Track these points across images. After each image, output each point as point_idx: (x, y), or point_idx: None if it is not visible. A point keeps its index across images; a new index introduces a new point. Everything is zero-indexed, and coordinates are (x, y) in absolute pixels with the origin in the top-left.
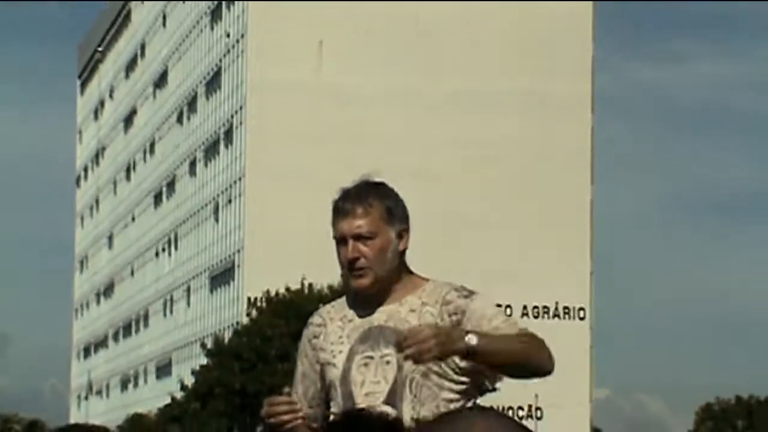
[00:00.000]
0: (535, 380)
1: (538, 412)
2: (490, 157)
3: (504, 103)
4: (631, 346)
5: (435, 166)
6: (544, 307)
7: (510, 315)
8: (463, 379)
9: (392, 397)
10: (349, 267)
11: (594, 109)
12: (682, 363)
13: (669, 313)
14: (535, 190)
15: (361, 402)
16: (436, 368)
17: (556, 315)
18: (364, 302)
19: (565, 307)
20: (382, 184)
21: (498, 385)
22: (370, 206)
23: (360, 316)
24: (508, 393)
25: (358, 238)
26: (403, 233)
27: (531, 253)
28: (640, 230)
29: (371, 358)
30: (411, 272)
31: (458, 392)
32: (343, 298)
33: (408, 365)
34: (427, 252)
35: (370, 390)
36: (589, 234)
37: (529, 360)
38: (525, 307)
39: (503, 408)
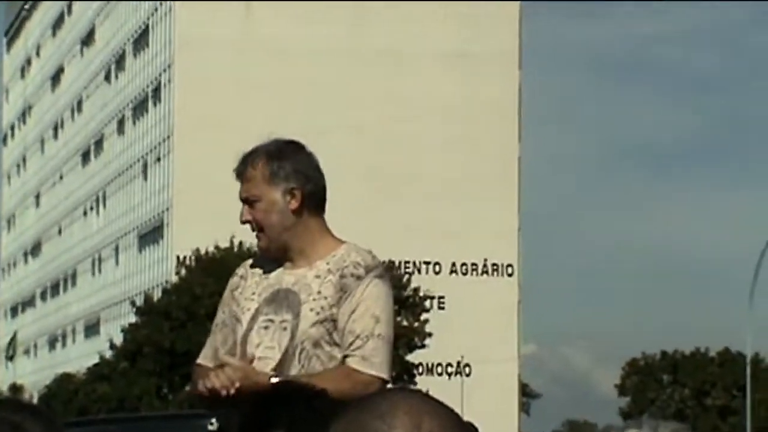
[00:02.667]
0: (464, 336)
1: (467, 369)
2: (418, 112)
3: (432, 59)
4: (557, 301)
5: (363, 121)
6: (473, 264)
7: (379, 321)
8: None
9: (281, 365)
10: (251, 229)
11: (521, 64)
12: (608, 318)
13: (596, 268)
14: (462, 146)
15: (254, 365)
16: (326, 339)
17: (484, 271)
18: (277, 261)
19: (494, 264)
20: (274, 144)
21: (427, 342)
22: (254, 169)
23: (271, 274)
24: (436, 350)
25: (246, 201)
26: (294, 191)
27: (459, 210)
28: (567, 185)
29: (272, 321)
30: (327, 230)
31: None
32: None
33: (300, 333)
34: (355, 206)
35: (263, 355)
36: (516, 190)
37: (333, 395)
38: (453, 264)
39: (432, 365)
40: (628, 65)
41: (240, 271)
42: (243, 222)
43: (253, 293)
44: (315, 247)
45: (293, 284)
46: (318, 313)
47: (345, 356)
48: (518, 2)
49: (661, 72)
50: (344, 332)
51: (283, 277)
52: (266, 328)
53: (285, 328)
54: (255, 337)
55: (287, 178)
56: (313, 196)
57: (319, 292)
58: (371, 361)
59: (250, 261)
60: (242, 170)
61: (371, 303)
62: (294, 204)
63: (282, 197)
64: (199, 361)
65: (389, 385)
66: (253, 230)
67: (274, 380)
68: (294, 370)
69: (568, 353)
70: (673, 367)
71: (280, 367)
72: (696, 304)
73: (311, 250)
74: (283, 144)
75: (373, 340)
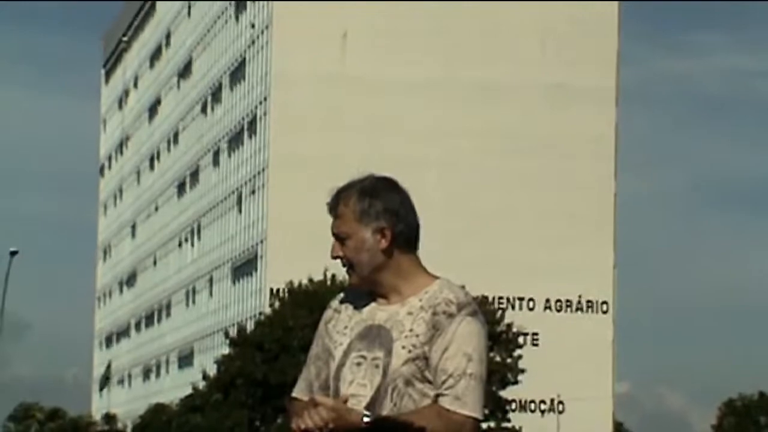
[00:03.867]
0: (557, 373)
1: (560, 406)
2: (514, 148)
3: (528, 95)
4: (653, 339)
5: (458, 157)
6: (567, 300)
7: (471, 360)
8: None
9: (373, 403)
10: (341, 264)
11: (618, 101)
12: (704, 357)
13: (692, 306)
14: (559, 183)
15: (348, 404)
16: (418, 377)
17: (579, 308)
18: (371, 294)
19: (588, 301)
20: (368, 181)
21: (520, 378)
22: (345, 206)
23: (364, 309)
24: (530, 387)
25: (337, 237)
26: (385, 231)
27: (554, 245)
28: (664, 223)
29: (364, 358)
30: (420, 266)
31: None
32: None
33: (392, 371)
34: (449, 241)
35: (355, 392)
36: (612, 227)
37: None
38: (548, 301)
39: (526, 401)
40: (725, 101)
41: (334, 304)
42: (334, 257)
43: (346, 327)
44: (407, 283)
45: (385, 321)
46: (410, 351)
47: (437, 395)
48: (616, 38)
49: (760, 107)
50: (437, 371)
51: (376, 312)
52: (359, 364)
53: (377, 366)
54: (348, 374)
55: (378, 217)
56: (403, 235)
57: (411, 330)
58: (464, 401)
59: (343, 294)
60: (334, 206)
61: (463, 341)
62: (384, 243)
63: (372, 236)
64: (294, 394)
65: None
66: (344, 266)
67: (366, 420)
68: (386, 409)
69: (663, 392)
70: None
71: (372, 405)
72: None
73: (404, 286)
74: (377, 181)
75: (466, 379)
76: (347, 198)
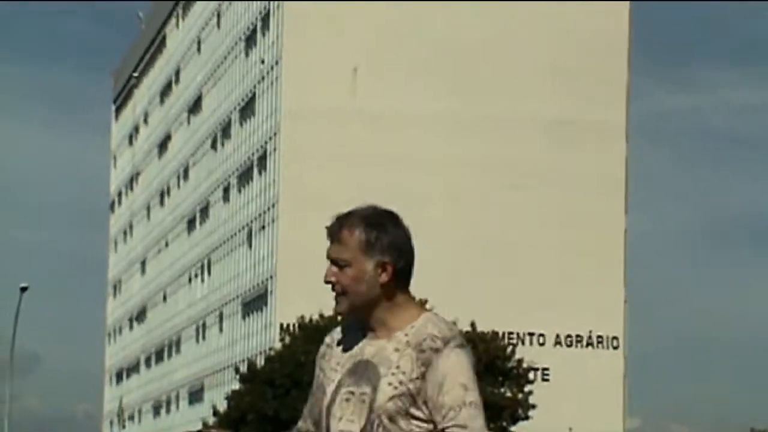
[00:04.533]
0: (568, 409)
1: None
2: (523, 183)
3: (538, 129)
4: (664, 375)
5: (468, 192)
6: (578, 335)
7: (468, 389)
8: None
9: None
10: (332, 289)
11: (628, 136)
12: (715, 392)
13: (703, 342)
14: (568, 218)
15: None
16: (402, 414)
17: (589, 344)
18: (360, 327)
19: (599, 336)
20: (376, 214)
21: (531, 413)
22: (350, 234)
23: (355, 345)
24: (541, 422)
25: (335, 262)
26: (387, 266)
27: (565, 281)
28: (674, 259)
29: (352, 393)
30: (411, 301)
31: None
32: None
33: (377, 407)
34: (458, 276)
35: (344, 428)
36: (623, 263)
37: None
38: (558, 336)
39: None
40: (734, 136)
41: (327, 340)
42: (327, 281)
43: (338, 363)
44: (395, 317)
45: (373, 356)
46: (395, 388)
47: (442, 429)
48: (626, 72)
49: None
50: (435, 407)
51: (365, 347)
52: (347, 400)
53: (363, 401)
54: (337, 410)
55: (382, 251)
56: (403, 272)
57: (398, 367)
58: (471, 427)
59: (338, 329)
60: (336, 231)
61: (456, 373)
62: (384, 278)
63: (374, 269)
64: (299, 424)
65: None
66: (334, 290)
67: None
68: None
69: (674, 428)
70: None
71: None
72: None
73: (391, 320)
74: (383, 214)
75: (466, 408)
76: (352, 226)
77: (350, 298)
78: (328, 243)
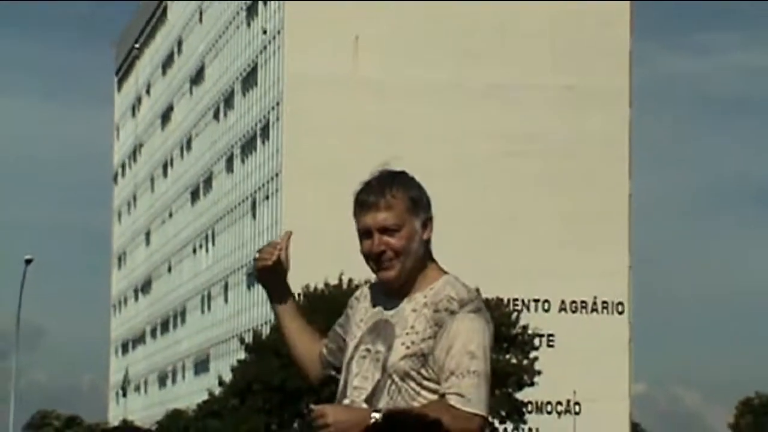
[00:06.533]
0: (573, 374)
1: (577, 407)
2: (528, 150)
3: (541, 97)
4: (669, 340)
5: (472, 160)
6: (582, 301)
7: (474, 357)
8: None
9: (372, 396)
10: (376, 259)
11: (632, 102)
12: (720, 356)
13: (707, 306)
14: (573, 184)
15: (350, 394)
16: (413, 373)
17: (594, 309)
18: (389, 289)
19: (604, 302)
20: (403, 174)
21: (536, 380)
22: (394, 198)
23: (379, 303)
24: (546, 388)
25: (384, 230)
26: (428, 222)
27: (569, 247)
28: (678, 223)
29: (369, 351)
30: (433, 261)
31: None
32: None
33: (389, 365)
34: (464, 243)
35: (358, 384)
36: (627, 228)
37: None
38: (563, 302)
39: (542, 403)
40: (739, 100)
41: (357, 293)
42: (377, 252)
43: (361, 320)
44: (421, 277)
45: (392, 316)
46: (408, 347)
47: (443, 394)
48: (628, 38)
49: None
50: (442, 369)
51: (386, 307)
52: (364, 357)
53: (378, 359)
54: (354, 366)
55: (425, 208)
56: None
57: (412, 327)
58: (468, 398)
59: (369, 286)
60: (378, 199)
61: (466, 339)
62: (427, 234)
63: (420, 227)
64: (323, 341)
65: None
66: (378, 260)
67: (375, 415)
68: (382, 402)
69: (679, 392)
70: None
71: (371, 398)
72: None
73: (415, 281)
74: (406, 174)
75: (469, 377)
76: (395, 190)
77: (403, 260)
78: (362, 215)
